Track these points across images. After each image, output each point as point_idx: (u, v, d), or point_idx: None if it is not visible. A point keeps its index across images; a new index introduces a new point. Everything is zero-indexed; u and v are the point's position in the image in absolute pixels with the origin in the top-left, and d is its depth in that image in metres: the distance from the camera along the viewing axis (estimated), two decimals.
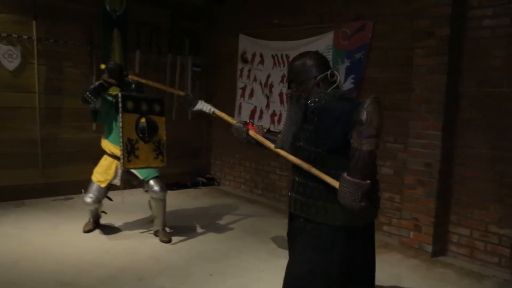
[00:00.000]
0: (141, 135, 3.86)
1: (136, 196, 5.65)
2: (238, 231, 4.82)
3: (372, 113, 2.04)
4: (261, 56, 6.02)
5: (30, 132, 5.48)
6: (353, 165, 2.09)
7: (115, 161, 4.20)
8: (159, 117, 4.00)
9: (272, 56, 5.88)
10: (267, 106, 5.99)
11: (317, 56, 2.45)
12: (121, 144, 3.69)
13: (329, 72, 2.35)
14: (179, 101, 3.96)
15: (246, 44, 6.26)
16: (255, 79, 6.13)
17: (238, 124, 2.86)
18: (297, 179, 2.42)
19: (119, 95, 3.76)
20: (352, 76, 4.97)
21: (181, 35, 6.55)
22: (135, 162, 3.78)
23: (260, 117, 6.06)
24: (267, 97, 5.96)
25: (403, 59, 4.53)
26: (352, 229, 2.32)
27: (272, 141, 2.67)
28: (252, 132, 2.79)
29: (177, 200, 5.92)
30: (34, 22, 5.36)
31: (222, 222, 5.10)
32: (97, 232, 4.56)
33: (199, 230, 4.77)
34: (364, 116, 2.04)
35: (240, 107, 6.37)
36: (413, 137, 4.37)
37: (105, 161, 4.30)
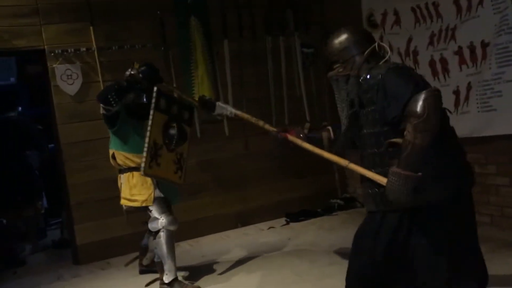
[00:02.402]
0: (167, 141, 3.94)
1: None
2: None
3: (431, 107, 2.27)
4: (396, 13, 5.23)
5: (107, 170, 4.95)
6: (405, 158, 2.32)
7: None
8: (186, 127, 4.13)
9: (413, 9, 5.05)
10: None
11: (359, 30, 2.79)
12: (146, 145, 3.73)
13: (376, 44, 2.60)
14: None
15: (372, 1, 5.53)
16: (391, 49, 5.16)
17: (273, 133, 3.14)
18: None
19: (154, 89, 3.80)
20: None
21: (281, 8, 6.01)
22: (155, 170, 3.84)
23: None
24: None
25: None
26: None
27: (319, 140, 3.02)
28: (292, 138, 3.03)
29: (307, 234, 5.36)
30: (91, 28, 5.07)
31: None
32: None
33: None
34: (421, 109, 2.27)
35: None
36: None
37: (134, 178, 4.08)
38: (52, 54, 4.97)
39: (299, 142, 2.97)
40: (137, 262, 4.64)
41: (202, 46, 5.44)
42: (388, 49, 2.59)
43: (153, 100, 3.77)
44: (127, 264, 4.64)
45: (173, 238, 4.05)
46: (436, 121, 2.31)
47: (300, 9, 6.12)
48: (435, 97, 2.30)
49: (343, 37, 2.64)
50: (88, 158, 5.14)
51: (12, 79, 6.97)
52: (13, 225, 5.82)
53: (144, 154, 3.72)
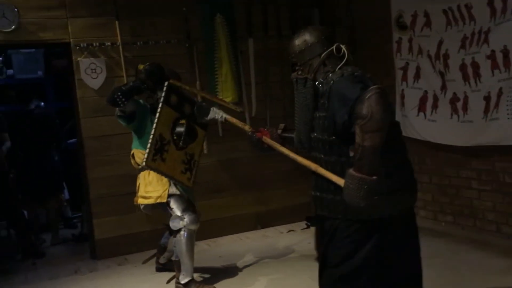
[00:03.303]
0: (175, 138, 3.91)
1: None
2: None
3: (374, 106, 2.22)
4: (426, 15, 5.05)
5: (128, 165, 4.82)
6: (357, 161, 2.31)
7: None
8: (200, 129, 4.10)
9: (444, 11, 4.86)
10: (443, 88, 4.96)
11: (319, 31, 2.67)
12: (151, 137, 3.73)
13: (334, 47, 2.56)
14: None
15: (401, 2, 5.35)
16: (420, 52, 5.17)
17: (249, 133, 3.12)
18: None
19: (166, 83, 3.82)
20: None
21: (307, 7, 5.91)
22: (159, 164, 3.79)
23: (435, 106, 5.06)
24: (442, 75, 4.96)
25: None
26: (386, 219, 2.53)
27: (291, 140, 2.96)
28: (265, 139, 3.00)
29: None
30: (117, 23, 5.06)
31: None
32: None
33: None
34: (364, 109, 2.23)
35: (402, 96, 5.44)
36: None
37: (150, 175, 4.08)
38: (77, 47, 4.98)
39: (272, 143, 2.96)
40: (154, 259, 4.61)
41: (227, 44, 5.37)
42: (347, 52, 2.54)
43: (163, 94, 3.79)
44: (144, 262, 4.64)
45: (193, 238, 4.01)
46: (382, 119, 2.24)
47: (326, 8, 5.97)
48: (377, 95, 2.24)
49: (302, 39, 2.63)
50: (109, 153, 5.14)
51: (40, 73, 7.02)
52: (35, 216, 5.92)
53: (148, 145, 3.70)
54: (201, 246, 5.10)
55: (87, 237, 5.50)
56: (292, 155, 2.76)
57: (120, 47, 5.08)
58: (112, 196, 5.14)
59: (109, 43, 5.06)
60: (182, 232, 3.93)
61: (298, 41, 2.63)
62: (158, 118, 3.76)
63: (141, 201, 4.10)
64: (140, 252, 5.09)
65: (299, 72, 2.63)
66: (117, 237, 5.15)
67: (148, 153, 3.69)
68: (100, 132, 5.10)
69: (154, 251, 4.65)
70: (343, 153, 2.48)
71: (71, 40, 4.98)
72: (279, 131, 3.06)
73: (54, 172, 5.92)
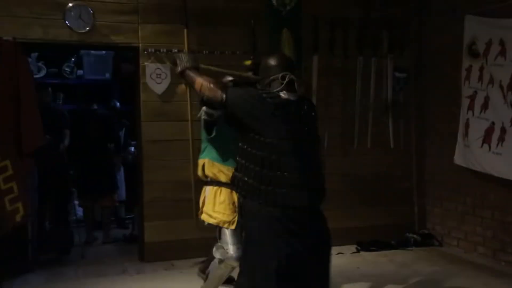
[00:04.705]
0: None
1: None
2: None
3: (206, 91, 2.92)
4: (502, 43, 4.86)
5: (183, 171, 5.14)
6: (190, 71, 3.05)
7: (234, 192, 3.78)
8: None
9: None
10: None
11: (282, 58, 3.06)
12: None
13: (280, 74, 2.88)
14: None
15: (476, 29, 5.17)
16: (491, 81, 5.00)
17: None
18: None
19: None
20: None
21: (376, 28, 5.84)
22: None
23: (501, 139, 4.87)
24: None
25: None
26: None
27: None
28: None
29: (376, 266, 5.06)
30: (185, 31, 5.09)
31: None
32: None
33: None
34: (199, 83, 2.95)
35: (467, 126, 5.27)
36: None
37: (221, 195, 3.87)
38: (145, 52, 5.12)
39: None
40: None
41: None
42: (282, 80, 2.83)
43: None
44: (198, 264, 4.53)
45: (227, 273, 3.89)
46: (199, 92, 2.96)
47: (395, 31, 5.87)
48: (208, 89, 2.87)
49: (266, 59, 2.98)
50: (166, 157, 5.20)
51: (107, 75, 7.20)
52: (91, 213, 6.09)
53: None
54: None
55: (137, 239, 5.56)
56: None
57: None
58: (165, 200, 5.19)
59: (175, 50, 5.08)
60: (222, 265, 3.80)
61: (265, 59, 3.01)
62: None
63: (206, 218, 3.93)
64: (187, 259, 5.08)
65: (258, 85, 3.02)
66: (166, 242, 5.18)
67: None
68: (160, 137, 5.19)
69: (202, 258, 4.59)
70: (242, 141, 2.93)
71: (140, 44, 5.12)
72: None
73: (109, 172, 6.07)
